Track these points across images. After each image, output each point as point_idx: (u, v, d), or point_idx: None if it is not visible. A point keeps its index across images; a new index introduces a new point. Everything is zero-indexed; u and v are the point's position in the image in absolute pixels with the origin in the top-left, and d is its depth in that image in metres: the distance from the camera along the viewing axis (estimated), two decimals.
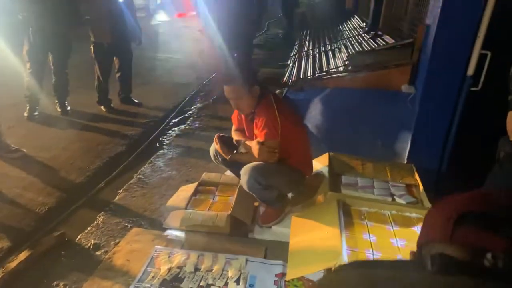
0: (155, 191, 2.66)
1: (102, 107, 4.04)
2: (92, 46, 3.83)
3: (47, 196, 2.53)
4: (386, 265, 0.65)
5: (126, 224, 2.26)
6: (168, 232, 2.18)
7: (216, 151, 2.30)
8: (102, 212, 2.38)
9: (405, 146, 2.72)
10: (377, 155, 2.69)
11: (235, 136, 2.31)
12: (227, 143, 2.21)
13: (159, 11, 12.11)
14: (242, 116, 2.23)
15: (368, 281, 0.60)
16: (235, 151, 2.21)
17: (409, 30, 3.43)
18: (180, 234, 2.16)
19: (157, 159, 3.13)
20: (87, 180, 2.80)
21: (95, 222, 2.28)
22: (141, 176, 2.84)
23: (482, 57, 2.28)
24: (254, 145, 2.08)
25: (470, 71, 2.34)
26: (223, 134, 2.22)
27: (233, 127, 2.35)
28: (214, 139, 2.21)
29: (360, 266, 0.66)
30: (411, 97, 2.59)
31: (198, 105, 4.54)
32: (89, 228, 2.23)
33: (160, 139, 3.59)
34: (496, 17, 2.15)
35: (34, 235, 2.18)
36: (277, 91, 3.36)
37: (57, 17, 3.46)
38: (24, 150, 3.03)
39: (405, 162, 2.67)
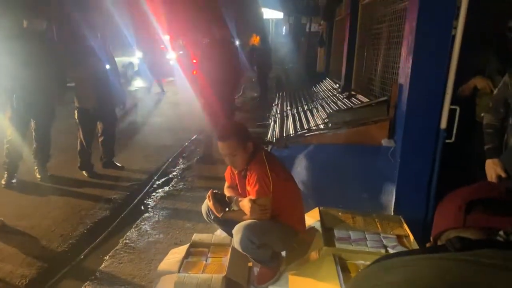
0: (143, 256, 2.56)
1: (84, 172, 3.97)
2: (76, 111, 3.86)
3: (27, 267, 2.38)
4: (403, 254, 0.65)
5: None
6: None
7: (208, 208, 2.28)
8: (88, 281, 2.25)
9: (390, 198, 2.80)
10: (365, 207, 2.75)
11: (227, 193, 2.32)
12: (220, 200, 2.21)
13: (136, 78, 12.47)
14: (235, 172, 2.26)
15: (384, 268, 0.59)
16: (227, 209, 2.21)
17: (381, 89, 3.71)
18: None
19: (143, 223, 3.05)
20: (70, 248, 2.67)
21: None
22: (127, 241, 2.74)
23: (452, 112, 2.49)
24: (246, 203, 2.09)
25: (443, 124, 2.53)
26: (216, 191, 2.23)
27: (226, 184, 2.37)
28: (207, 196, 2.20)
29: (379, 260, 0.65)
30: (391, 151, 2.72)
31: (181, 166, 4.55)
32: None
33: (145, 202, 3.53)
34: (461, 74, 2.40)
35: None
36: None
37: (42, 85, 3.51)
38: (2, 219, 2.88)
39: (392, 213, 2.73)
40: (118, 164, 4.23)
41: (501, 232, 0.60)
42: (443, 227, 0.70)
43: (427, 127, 2.54)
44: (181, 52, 12.41)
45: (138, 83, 11.80)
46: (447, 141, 2.54)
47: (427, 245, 0.76)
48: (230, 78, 4.36)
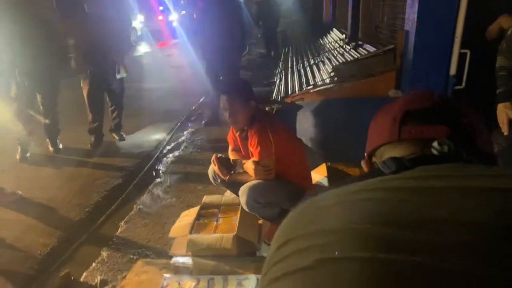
0: (157, 220, 2.64)
1: (94, 141, 4.00)
2: (82, 80, 3.83)
3: (48, 237, 2.49)
4: (339, 184, 0.52)
5: (131, 257, 2.24)
6: (174, 260, 2.15)
7: (214, 172, 2.31)
8: (106, 247, 2.35)
9: None
10: None
11: (232, 156, 2.33)
12: (225, 164, 2.23)
13: (140, 43, 12.27)
14: (237, 135, 2.25)
15: (313, 209, 0.48)
16: (232, 172, 2.22)
17: (388, 37, 3.54)
18: (187, 260, 2.13)
19: (155, 188, 3.12)
20: (87, 216, 2.77)
21: (100, 258, 2.25)
22: (141, 206, 2.82)
23: (462, 56, 2.37)
24: (249, 165, 2.09)
25: (453, 70, 2.43)
26: (221, 155, 2.23)
27: (230, 147, 2.37)
28: (212, 161, 2.22)
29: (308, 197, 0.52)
30: None
31: (189, 130, 4.56)
32: (94, 265, 2.19)
33: (156, 167, 3.59)
34: (471, 16, 2.25)
35: (38, 278, 2.14)
36: (267, 108, 3.41)
37: (43, 57, 3.47)
38: (20, 192, 2.99)
39: None
40: (124, 135, 4.21)
41: (435, 143, 0.56)
42: (378, 142, 0.64)
43: (436, 74, 2.44)
44: (183, 12, 12.05)
45: (142, 48, 11.62)
46: (456, 87, 2.44)
47: (362, 163, 0.71)
48: (234, 37, 4.22)
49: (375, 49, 3.56)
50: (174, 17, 12.91)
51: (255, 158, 2.04)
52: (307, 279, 0.37)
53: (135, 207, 2.82)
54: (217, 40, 4.05)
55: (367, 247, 0.36)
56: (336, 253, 0.37)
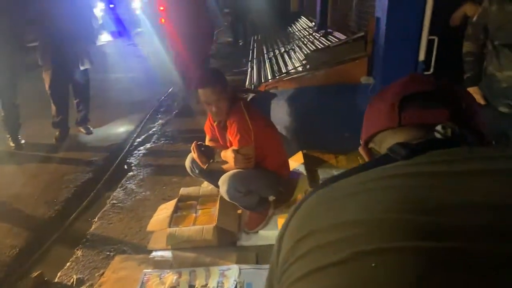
0: (132, 214, 2.57)
1: (58, 135, 3.80)
2: (43, 72, 3.62)
3: (15, 238, 2.35)
4: (348, 173, 0.53)
5: (108, 253, 2.16)
6: (154, 254, 2.11)
7: (192, 162, 2.26)
8: (80, 245, 2.26)
9: None
10: (347, 146, 2.78)
11: (210, 146, 2.29)
12: (204, 152, 2.18)
13: (102, 32, 11.74)
14: (214, 125, 2.22)
15: (328, 198, 0.47)
16: (212, 160, 2.19)
17: (357, 24, 3.59)
18: (167, 254, 2.10)
19: (128, 182, 3.02)
20: (57, 214, 2.64)
21: (74, 256, 2.16)
22: (114, 201, 2.73)
23: (431, 43, 2.45)
24: (229, 154, 2.07)
25: (421, 56, 2.50)
26: (200, 142, 2.19)
27: (207, 138, 2.33)
28: (191, 148, 2.17)
29: (318, 188, 0.52)
30: (371, 87, 2.70)
31: (160, 121, 4.45)
32: (68, 264, 2.10)
33: (128, 160, 3.47)
34: (439, 4, 2.32)
35: (7, 281, 2.02)
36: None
37: None
38: None
39: None
40: (91, 129, 4.04)
41: (438, 128, 0.56)
42: (377, 128, 0.64)
43: (405, 60, 2.50)
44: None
45: (104, 37, 11.14)
46: (425, 73, 2.52)
47: (360, 150, 0.70)
48: (201, 26, 4.13)
49: (345, 36, 3.60)
50: (136, 4, 12.44)
51: (235, 147, 2.02)
52: (344, 274, 0.35)
53: (108, 202, 2.73)
54: (185, 28, 3.95)
55: (407, 236, 0.35)
56: (372, 245, 0.35)
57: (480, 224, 0.35)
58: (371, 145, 0.67)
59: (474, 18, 2.13)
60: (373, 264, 0.34)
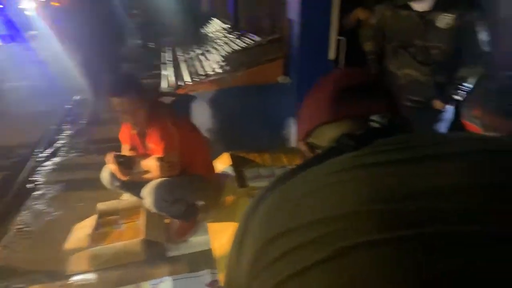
0: (43, 239, 2.29)
1: None
2: None
3: None
4: (301, 168, 0.51)
5: (18, 286, 1.89)
6: (74, 278, 1.91)
7: (111, 174, 2.09)
8: None
9: (290, 131, 2.95)
10: (270, 145, 2.86)
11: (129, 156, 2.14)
12: (123, 163, 2.03)
13: None
14: (133, 133, 2.08)
15: (285, 200, 0.45)
16: (132, 171, 2.05)
17: (271, 26, 3.70)
18: (89, 276, 1.92)
19: (35, 202, 2.70)
20: None
21: None
22: (21, 225, 2.41)
23: (340, 43, 2.63)
24: (152, 162, 1.96)
25: (331, 55, 2.67)
26: (118, 153, 2.03)
27: (126, 147, 2.17)
28: (108, 159, 1.99)
29: (274, 186, 0.49)
30: (288, 86, 2.80)
31: (68, 132, 4.06)
32: None
33: (32, 178, 3.09)
34: (347, 6, 2.50)
35: None
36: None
37: None
38: None
39: (294, 145, 2.90)
40: None
41: (374, 117, 0.58)
42: (315, 123, 0.64)
43: (319, 59, 2.64)
44: None
45: None
46: None
47: (300, 145, 0.70)
48: (112, 28, 3.86)
49: (260, 38, 3.68)
50: (29, 5, 11.17)
51: (159, 154, 1.92)
52: (332, 271, 0.34)
53: (12, 228, 2.39)
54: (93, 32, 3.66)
55: (391, 227, 0.35)
56: (357, 239, 0.34)
57: (456, 207, 0.36)
58: (310, 139, 0.68)
59: (374, 20, 2.34)
60: (352, 260, 0.34)
